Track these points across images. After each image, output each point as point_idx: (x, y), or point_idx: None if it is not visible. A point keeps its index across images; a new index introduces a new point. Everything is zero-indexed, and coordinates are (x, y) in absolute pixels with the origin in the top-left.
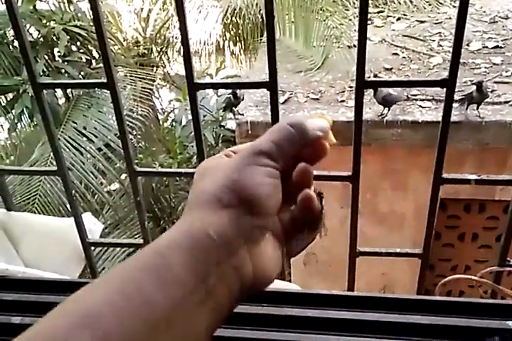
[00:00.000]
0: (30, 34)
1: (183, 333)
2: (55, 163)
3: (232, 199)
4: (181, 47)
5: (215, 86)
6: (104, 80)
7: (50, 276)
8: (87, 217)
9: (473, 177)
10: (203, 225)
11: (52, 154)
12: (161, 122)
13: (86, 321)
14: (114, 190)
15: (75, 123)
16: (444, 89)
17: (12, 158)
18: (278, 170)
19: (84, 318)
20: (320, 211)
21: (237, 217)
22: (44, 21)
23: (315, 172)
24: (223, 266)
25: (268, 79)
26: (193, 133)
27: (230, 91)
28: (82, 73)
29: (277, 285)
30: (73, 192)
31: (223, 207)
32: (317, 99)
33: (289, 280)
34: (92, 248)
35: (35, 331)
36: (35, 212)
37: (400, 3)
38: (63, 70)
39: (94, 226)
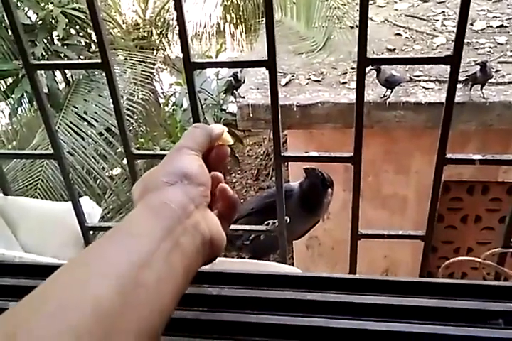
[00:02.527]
0: (29, 17)
1: (163, 271)
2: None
3: (174, 178)
4: (177, 26)
5: (212, 65)
6: (98, 60)
7: (47, 261)
8: (86, 201)
9: (478, 157)
10: (159, 199)
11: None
12: (161, 106)
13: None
14: (116, 175)
15: (76, 107)
16: (448, 68)
17: (14, 143)
18: (198, 156)
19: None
20: (235, 199)
21: (184, 189)
22: (42, 4)
23: (317, 154)
24: (183, 223)
25: (267, 58)
26: None
27: (230, 74)
28: (81, 57)
29: (278, 268)
30: (70, 175)
31: (170, 185)
32: (319, 81)
33: (292, 264)
34: (91, 232)
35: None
36: (37, 197)
37: None
38: (62, 54)
39: (92, 210)
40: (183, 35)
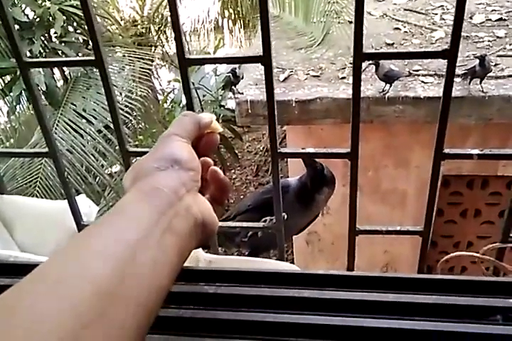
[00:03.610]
0: (26, 15)
1: (158, 252)
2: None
3: (165, 164)
4: (171, 20)
5: (207, 61)
6: (92, 58)
7: (42, 260)
8: (82, 200)
9: (476, 151)
10: (150, 184)
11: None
12: (160, 103)
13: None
14: (115, 172)
15: (74, 105)
16: (446, 62)
17: (12, 140)
18: (187, 143)
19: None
20: (226, 181)
21: (175, 173)
22: (39, 1)
23: (314, 150)
24: (175, 207)
25: (262, 53)
26: None
27: (229, 70)
28: (79, 54)
29: (275, 266)
30: (66, 174)
31: (161, 170)
32: (317, 76)
33: (292, 259)
34: None
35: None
36: (36, 195)
37: None
38: (60, 51)
39: (89, 209)
40: (177, 31)
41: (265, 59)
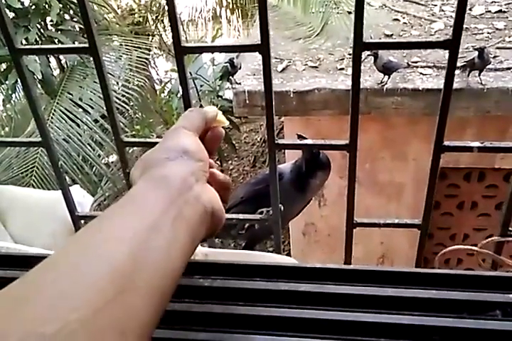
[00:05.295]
0: (21, 2)
1: (171, 237)
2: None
3: (174, 154)
4: (167, 8)
5: (203, 49)
6: (85, 45)
7: (35, 251)
8: (76, 190)
9: (476, 144)
10: (160, 173)
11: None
12: (158, 93)
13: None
14: (112, 162)
15: (71, 94)
16: (447, 53)
17: (7, 129)
18: (195, 135)
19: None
20: (225, 180)
21: (185, 163)
22: None
23: (312, 142)
24: (185, 195)
25: (260, 42)
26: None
27: (227, 60)
28: (76, 42)
29: (272, 259)
30: (60, 163)
31: (171, 161)
32: (316, 67)
33: (288, 250)
34: (82, 221)
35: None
36: (33, 185)
37: None
38: (57, 40)
39: (83, 199)
40: (173, 18)
41: (263, 48)
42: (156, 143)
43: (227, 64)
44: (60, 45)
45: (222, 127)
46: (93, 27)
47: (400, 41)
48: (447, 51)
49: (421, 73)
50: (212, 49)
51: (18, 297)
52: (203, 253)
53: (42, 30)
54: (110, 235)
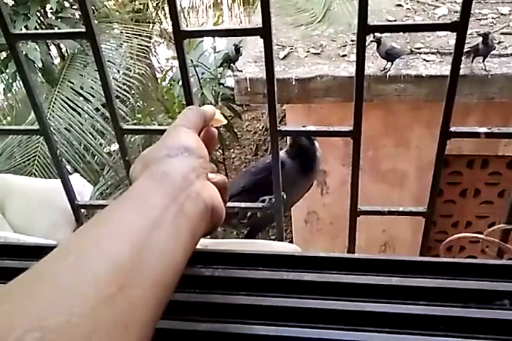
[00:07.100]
0: None
1: (172, 233)
2: (53, 123)
3: (175, 151)
4: None
5: (203, 33)
6: (82, 29)
7: (34, 241)
8: (76, 179)
9: (484, 129)
10: (161, 170)
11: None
12: (159, 81)
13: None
14: (114, 151)
15: (72, 82)
16: (451, 39)
17: (8, 118)
18: (194, 132)
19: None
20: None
21: (185, 160)
22: None
23: (315, 129)
24: (186, 191)
25: (261, 25)
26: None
27: (228, 47)
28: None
29: (275, 247)
30: (58, 152)
31: (171, 157)
32: (318, 53)
33: (291, 238)
34: (82, 210)
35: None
36: (34, 174)
37: None
38: (56, 27)
39: (83, 188)
40: (171, 1)
41: (264, 31)
42: (155, 130)
43: (232, 49)
44: (56, 30)
45: (221, 114)
46: (90, 11)
47: (405, 24)
48: (450, 38)
49: (424, 59)
50: (212, 33)
51: (21, 292)
52: (203, 244)
53: (42, 18)
54: (112, 231)
